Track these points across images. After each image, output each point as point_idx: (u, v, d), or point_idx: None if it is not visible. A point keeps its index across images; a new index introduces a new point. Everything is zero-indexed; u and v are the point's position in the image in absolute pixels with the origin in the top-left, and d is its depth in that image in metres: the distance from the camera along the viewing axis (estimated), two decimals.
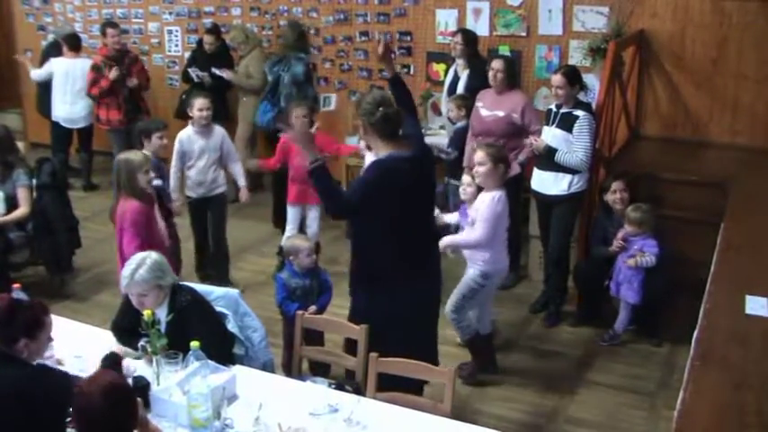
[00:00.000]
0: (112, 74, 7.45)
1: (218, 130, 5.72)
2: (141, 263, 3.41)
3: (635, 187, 5.27)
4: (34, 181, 5.87)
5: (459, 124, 5.88)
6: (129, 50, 7.90)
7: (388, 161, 3.66)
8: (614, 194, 5.10)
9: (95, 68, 7.54)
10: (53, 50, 8.26)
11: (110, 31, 7.54)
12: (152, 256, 3.48)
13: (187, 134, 5.61)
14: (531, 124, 5.42)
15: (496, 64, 5.52)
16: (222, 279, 5.71)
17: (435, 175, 4.01)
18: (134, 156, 4.53)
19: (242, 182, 5.83)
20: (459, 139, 5.85)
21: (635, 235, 4.93)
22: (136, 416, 2.58)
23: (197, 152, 5.59)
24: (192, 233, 5.89)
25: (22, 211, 5.58)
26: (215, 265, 5.92)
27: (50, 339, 3.12)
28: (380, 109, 3.64)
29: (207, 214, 5.82)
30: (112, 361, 3.24)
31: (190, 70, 7.67)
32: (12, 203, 5.58)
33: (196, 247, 5.96)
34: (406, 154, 3.67)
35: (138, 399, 2.66)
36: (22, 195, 5.60)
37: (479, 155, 4.44)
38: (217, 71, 7.45)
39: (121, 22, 8.43)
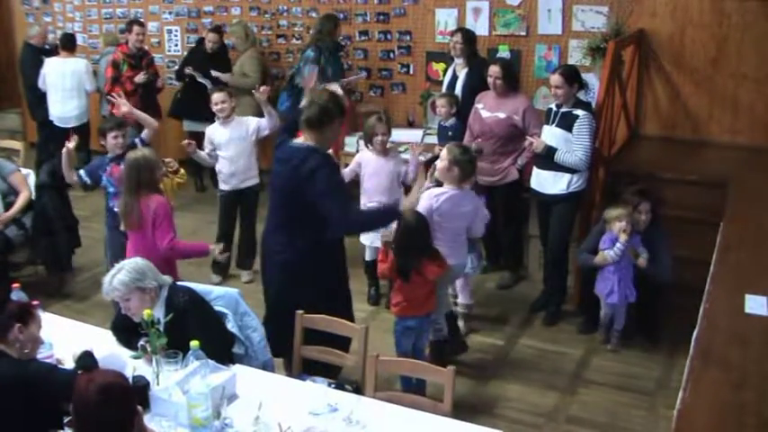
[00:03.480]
0: (139, 78, 7.45)
1: (245, 120, 5.88)
2: (121, 268, 3.43)
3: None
4: (33, 180, 5.89)
5: (446, 123, 5.90)
6: (147, 51, 7.88)
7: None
8: (639, 215, 4.91)
9: (115, 65, 7.53)
10: (29, 55, 8.27)
11: (136, 28, 7.53)
12: (136, 261, 3.50)
13: (214, 126, 5.83)
14: (531, 127, 5.41)
15: (494, 70, 5.49)
16: (245, 264, 6.12)
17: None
18: (149, 152, 4.52)
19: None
20: (445, 137, 5.88)
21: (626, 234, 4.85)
22: (133, 416, 2.57)
23: (224, 143, 5.76)
24: (217, 226, 6.03)
25: (24, 195, 5.63)
26: (242, 251, 6.14)
27: (41, 341, 3.15)
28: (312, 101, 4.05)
29: (237, 209, 5.98)
30: (87, 361, 3.22)
31: (193, 74, 7.63)
32: (6, 202, 5.59)
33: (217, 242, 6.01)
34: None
35: (138, 406, 2.65)
36: (17, 180, 5.63)
37: (444, 151, 4.52)
38: (214, 74, 7.48)
39: (121, 22, 8.43)
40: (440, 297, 4.58)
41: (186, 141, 5.77)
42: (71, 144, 5.19)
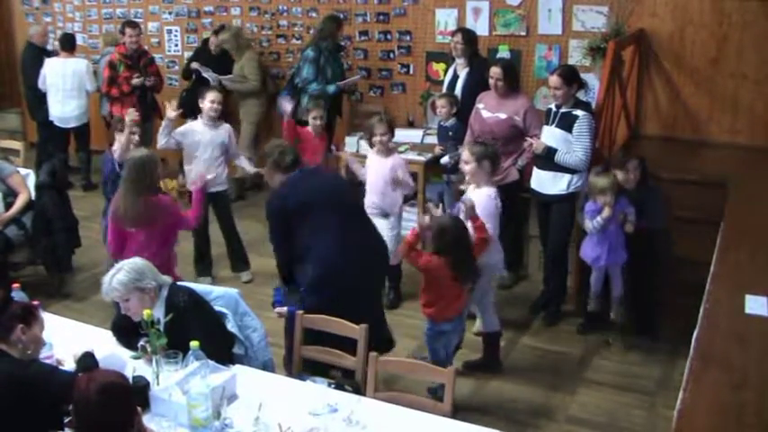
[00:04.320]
0: (136, 80, 7.44)
1: (225, 126, 5.88)
2: (120, 268, 3.44)
3: None
4: (32, 179, 5.89)
5: (446, 123, 5.90)
6: (146, 51, 7.86)
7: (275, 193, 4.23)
8: (627, 173, 4.87)
9: (111, 66, 7.52)
10: (31, 54, 8.26)
11: (128, 30, 7.50)
12: (135, 261, 3.51)
13: (196, 125, 5.77)
14: (532, 128, 5.41)
15: (495, 72, 5.49)
16: (240, 267, 6.11)
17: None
18: (151, 152, 4.55)
19: (250, 169, 6.08)
20: (445, 137, 5.89)
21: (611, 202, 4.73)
22: (133, 416, 2.57)
23: (203, 144, 5.73)
24: (193, 232, 5.94)
25: (23, 197, 5.64)
26: (232, 256, 6.14)
27: (43, 342, 3.15)
28: (278, 147, 4.33)
29: (208, 212, 5.92)
30: (88, 362, 3.22)
31: (199, 68, 7.70)
32: (6, 202, 5.59)
33: (195, 250, 6.02)
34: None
35: (138, 408, 2.65)
36: (16, 182, 5.64)
37: (465, 154, 4.59)
38: (220, 78, 7.54)
39: (121, 22, 8.41)
40: (485, 305, 4.67)
41: (172, 106, 5.69)
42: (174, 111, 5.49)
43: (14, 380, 2.88)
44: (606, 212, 4.71)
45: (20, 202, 5.62)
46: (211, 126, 5.75)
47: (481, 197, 4.48)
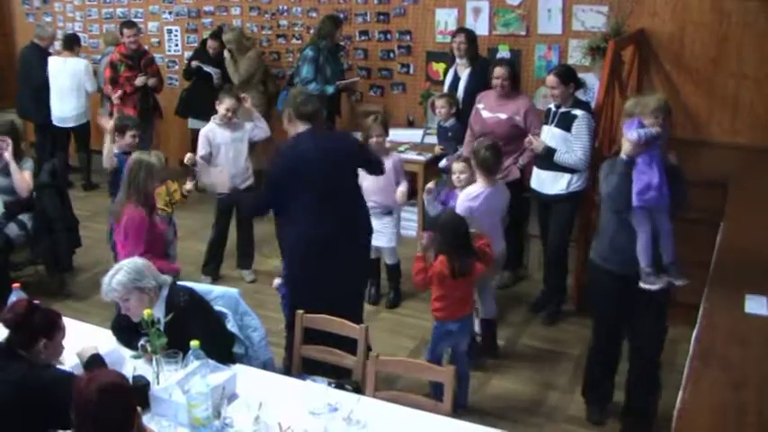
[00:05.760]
0: (139, 80, 7.43)
1: (242, 122, 5.89)
2: (120, 268, 3.43)
3: None
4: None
5: (445, 123, 5.90)
6: (146, 51, 7.84)
7: (289, 145, 4.17)
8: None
9: (113, 66, 7.51)
10: (36, 55, 8.26)
11: (126, 31, 7.48)
12: (135, 261, 3.51)
13: (212, 128, 5.75)
14: (533, 128, 5.41)
15: (500, 72, 5.48)
16: (246, 263, 6.17)
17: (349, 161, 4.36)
18: (155, 160, 4.52)
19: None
20: (445, 137, 5.92)
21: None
22: (132, 416, 2.57)
23: (226, 143, 5.74)
24: (213, 229, 6.08)
25: (29, 182, 5.61)
26: (242, 252, 6.18)
27: (63, 348, 3.14)
28: (302, 93, 4.30)
29: (233, 210, 5.98)
30: (97, 364, 3.21)
31: (200, 65, 7.76)
32: (5, 202, 5.59)
33: (213, 245, 6.07)
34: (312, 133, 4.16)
35: (138, 408, 2.65)
36: (28, 176, 5.66)
37: (455, 166, 4.87)
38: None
39: (121, 22, 8.43)
40: (485, 292, 4.75)
41: (190, 158, 5.66)
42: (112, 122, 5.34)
43: (28, 383, 2.86)
44: (657, 129, 3.76)
45: (27, 177, 5.59)
46: (228, 126, 5.74)
47: (460, 196, 4.67)
